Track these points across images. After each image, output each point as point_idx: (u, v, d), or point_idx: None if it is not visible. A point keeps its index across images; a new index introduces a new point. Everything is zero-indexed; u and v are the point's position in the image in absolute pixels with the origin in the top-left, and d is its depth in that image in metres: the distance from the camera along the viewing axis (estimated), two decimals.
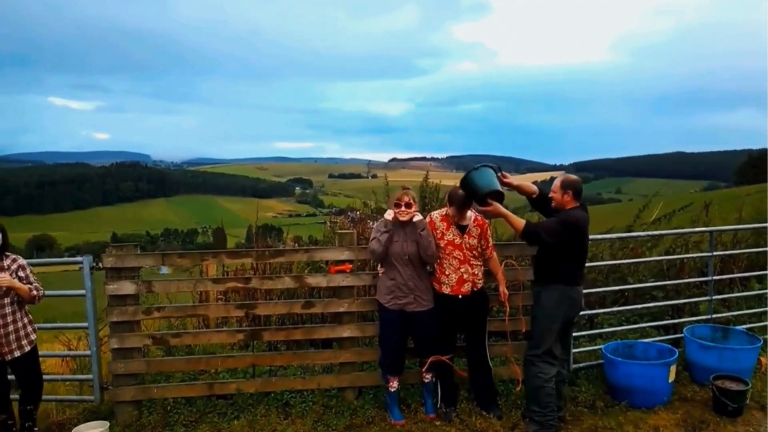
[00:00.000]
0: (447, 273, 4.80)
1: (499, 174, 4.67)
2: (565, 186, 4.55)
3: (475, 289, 4.84)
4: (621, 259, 6.69)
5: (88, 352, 5.23)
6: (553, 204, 4.64)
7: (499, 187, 4.57)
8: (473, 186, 4.59)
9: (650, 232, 6.52)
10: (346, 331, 5.21)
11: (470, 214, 4.88)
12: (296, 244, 8.68)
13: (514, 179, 4.81)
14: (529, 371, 4.61)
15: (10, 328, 4.24)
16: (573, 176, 4.82)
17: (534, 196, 4.87)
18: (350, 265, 5.18)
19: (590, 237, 6.37)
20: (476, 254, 4.85)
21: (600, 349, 5.46)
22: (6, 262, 4.25)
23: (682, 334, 5.75)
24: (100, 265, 5.00)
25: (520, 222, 4.53)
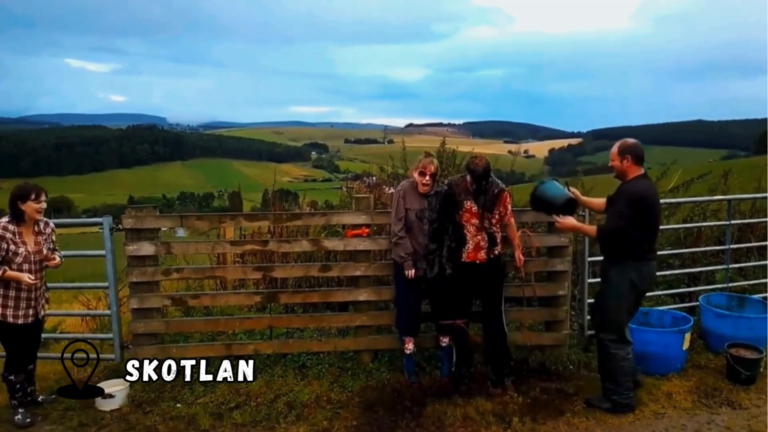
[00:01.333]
0: (464, 240, 4.80)
1: (567, 188, 4.59)
2: (623, 151, 4.28)
3: (491, 256, 4.84)
4: None
5: (108, 312, 5.34)
6: (614, 173, 4.39)
7: (570, 194, 4.51)
8: (546, 200, 4.55)
9: (668, 200, 6.44)
10: (363, 295, 5.25)
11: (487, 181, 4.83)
12: (312, 209, 8.71)
13: (581, 196, 4.66)
14: (603, 352, 4.44)
15: (42, 289, 4.45)
16: (630, 139, 4.41)
17: (603, 209, 4.65)
18: (367, 229, 5.20)
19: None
20: (494, 221, 4.83)
21: None
22: (41, 226, 4.36)
23: (698, 303, 5.74)
24: (120, 226, 5.06)
25: (592, 229, 4.44)
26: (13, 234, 4.17)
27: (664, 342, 5.05)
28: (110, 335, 5.33)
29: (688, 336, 5.12)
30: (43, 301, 4.50)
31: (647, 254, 4.35)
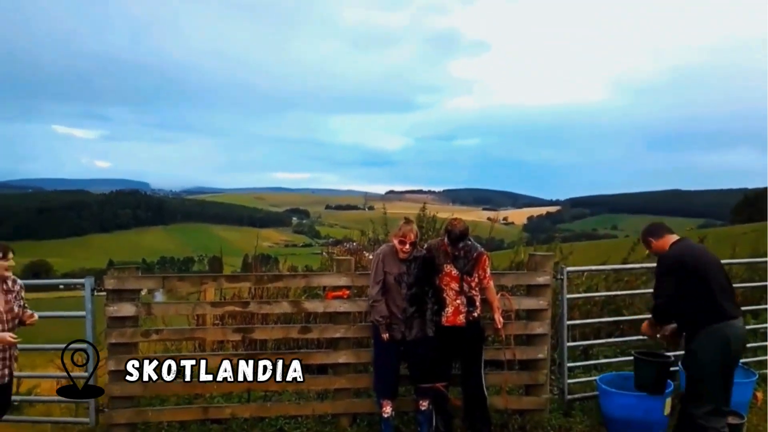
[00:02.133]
0: (444, 304, 4.86)
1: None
2: (643, 239, 4.51)
3: (470, 319, 4.88)
4: (616, 291, 6.75)
5: (84, 374, 5.24)
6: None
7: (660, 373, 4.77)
8: (648, 384, 4.80)
9: (645, 264, 6.59)
10: (342, 357, 5.24)
11: (467, 245, 4.93)
12: (292, 272, 8.71)
13: (667, 328, 4.64)
14: (694, 425, 4.19)
15: (14, 348, 4.32)
16: (645, 226, 4.66)
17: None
18: (347, 291, 5.24)
19: (584, 268, 6.43)
20: (474, 284, 4.91)
21: (595, 380, 5.47)
22: (10, 284, 4.33)
23: (678, 368, 5.77)
24: (101, 287, 5.05)
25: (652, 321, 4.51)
26: None
27: (646, 407, 5.02)
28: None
29: (669, 401, 5.12)
30: (14, 361, 4.38)
31: (721, 314, 4.10)
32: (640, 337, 6.13)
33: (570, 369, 5.70)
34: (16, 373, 4.43)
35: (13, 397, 5.61)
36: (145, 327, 5.38)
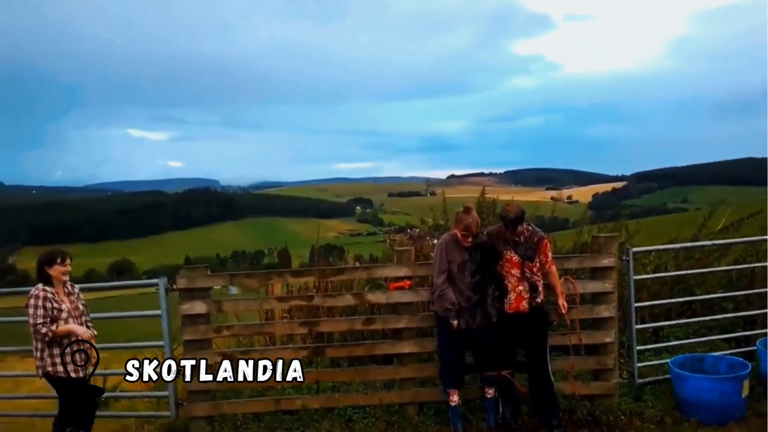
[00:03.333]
0: (506, 290, 4.83)
1: None
2: None
3: (534, 305, 4.84)
4: (686, 269, 6.49)
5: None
6: None
7: None
8: None
9: (717, 241, 6.31)
10: (406, 347, 5.30)
11: (527, 230, 4.87)
12: (357, 263, 8.85)
13: None
14: None
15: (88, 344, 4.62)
16: None
17: None
18: (409, 281, 5.29)
19: (651, 248, 6.22)
20: (536, 270, 4.86)
21: (667, 363, 5.32)
22: (69, 288, 4.64)
23: (755, 347, 5.53)
24: (174, 286, 5.31)
25: None
26: (52, 294, 4.44)
27: (721, 390, 4.87)
28: (166, 393, 5.51)
29: (746, 383, 4.93)
30: (90, 359, 4.66)
31: None
32: (714, 317, 5.91)
33: (640, 352, 5.55)
34: (100, 371, 4.72)
35: None
36: (218, 323, 5.61)
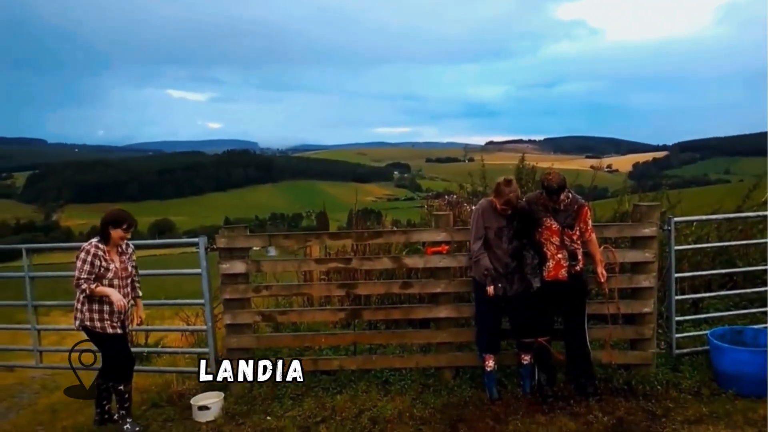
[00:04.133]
0: (545, 258, 4.79)
1: None
2: None
3: (573, 272, 4.79)
4: (729, 240, 6.31)
5: (204, 327, 5.70)
6: None
7: None
8: None
9: (761, 213, 6.10)
10: (443, 312, 5.32)
11: (567, 197, 4.79)
12: (394, 227, 8.88)
13: None
14: None
15: (130, 303, 4.83)
16: None
17: None
18: (447, 246, 5.28)
19: (694, 218, 6.07)
20: (575, 238, 4.79)
21: (706, 334, 5.22)
22: (123, 247, 4.78)
23: None
24: (214, 246, 5.42)
25: None
26: (104, 252, 4.58)
27: (761, 363, 4.77)
28: (207, 349, 5.68)
29: None
30: (128, 316, 4.85)
31: None
32: (756, 289, 5.76)
33: (678, 323, 5.46)
34: (144, 327, 4.89)
35: (142, 349, 6.25)
36: (257, 283, 5.73)
